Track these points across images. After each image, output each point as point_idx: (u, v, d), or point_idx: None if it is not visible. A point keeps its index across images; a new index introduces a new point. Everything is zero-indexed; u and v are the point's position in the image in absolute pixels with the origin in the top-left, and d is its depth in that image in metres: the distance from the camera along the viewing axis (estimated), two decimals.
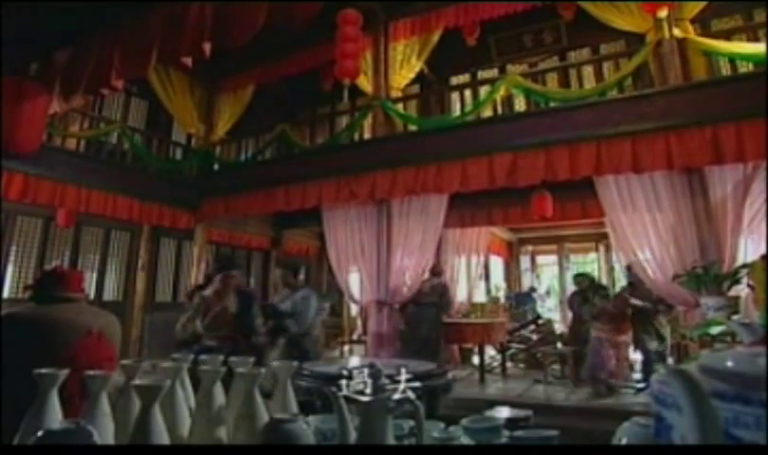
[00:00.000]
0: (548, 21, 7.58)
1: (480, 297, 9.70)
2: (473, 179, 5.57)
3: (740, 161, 4.49)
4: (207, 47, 3.61)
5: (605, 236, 9.04)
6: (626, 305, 5.60)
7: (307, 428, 0.96)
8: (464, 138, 5.81)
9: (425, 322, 6.20)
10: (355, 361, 4.73)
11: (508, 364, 7.19)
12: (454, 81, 8.70)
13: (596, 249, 11.27)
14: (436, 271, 6.63)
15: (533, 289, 10.85)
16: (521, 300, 10.10)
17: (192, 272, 7.78)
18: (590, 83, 7.03)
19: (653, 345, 5.56)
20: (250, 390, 1.11)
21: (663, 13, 5.01)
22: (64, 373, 1.07)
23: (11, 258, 6.64)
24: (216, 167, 8.25)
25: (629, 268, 5.85)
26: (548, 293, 11.82)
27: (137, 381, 1.09)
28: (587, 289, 6.21)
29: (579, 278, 6.58)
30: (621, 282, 10.73)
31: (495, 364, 7.27)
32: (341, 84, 6.19)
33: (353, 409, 0.98)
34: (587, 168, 5.02)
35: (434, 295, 6.34)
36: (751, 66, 5.37)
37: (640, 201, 5.11)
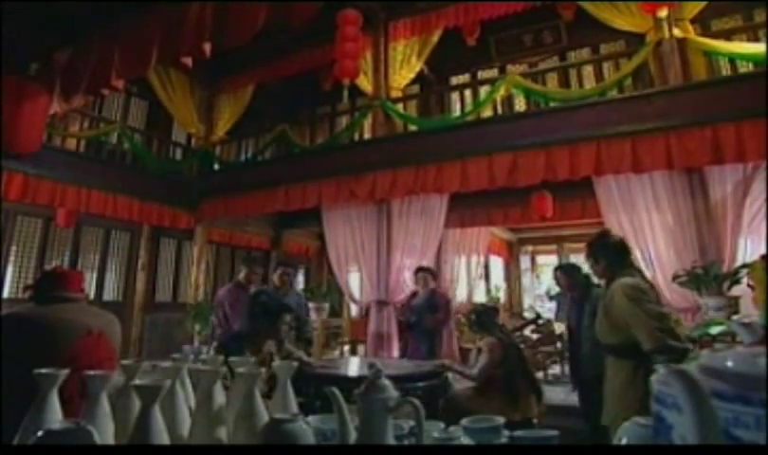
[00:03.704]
0: (548, 21, 7.57)
1: (480, 296, 9.68)
2: (473, 179, 5.56)
3: (740, 161, 4.47)
4: (207, 47, 3.61)
5: None
6: None
7: (307, 428, 0.96)
8: (464, 138, 5.80)
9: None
10: (355, 361, 4.74)
11: None
12: (454, 81, 8.69)
13: None
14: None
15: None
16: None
17: (192, 272, 7.78)
18: (590, 83, 7.02)
19: None
20: (250, 389, 1.11)
21: (663, 13, 5.01)
22: (64, 372, 1.07)
23: (11, 258, 6.64)
24: (216, 167, 8.24)
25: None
26: (548, 293, 11.79)
27: (136, 381, 1.09)
28: None
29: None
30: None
31: None
32: (341, 84, 6.18)
33: (353, 409, 0.98)
34: (587, 168, 5.00)
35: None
36: (751, 66, 5.36)
37: (639, 201, 5.11)
